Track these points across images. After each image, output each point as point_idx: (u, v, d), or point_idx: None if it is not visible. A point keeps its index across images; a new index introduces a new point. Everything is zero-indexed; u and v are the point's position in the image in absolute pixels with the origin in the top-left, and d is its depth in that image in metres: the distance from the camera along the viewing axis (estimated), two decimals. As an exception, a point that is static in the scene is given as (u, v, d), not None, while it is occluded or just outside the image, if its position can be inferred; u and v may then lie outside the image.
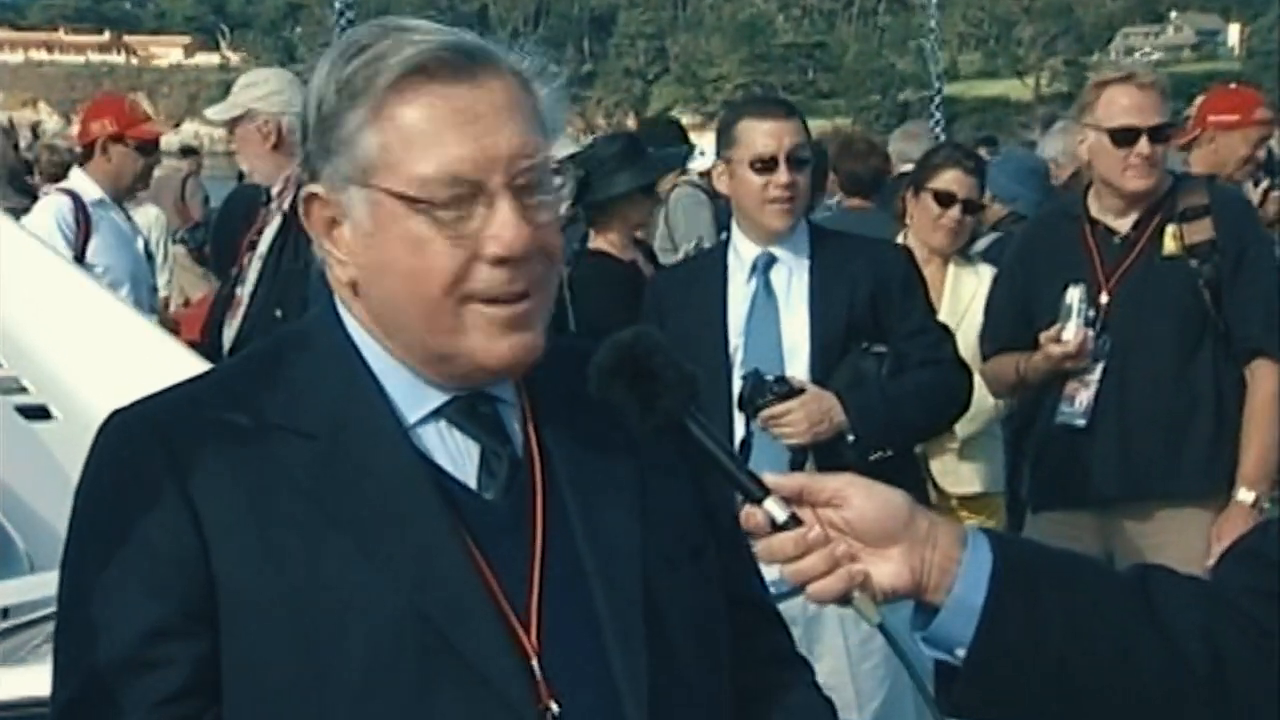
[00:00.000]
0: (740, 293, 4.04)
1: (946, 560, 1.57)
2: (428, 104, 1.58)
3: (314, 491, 1.58)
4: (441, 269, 1.58)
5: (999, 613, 1.55)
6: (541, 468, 1.67)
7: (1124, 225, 4.40)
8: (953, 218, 5.13)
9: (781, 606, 1.90)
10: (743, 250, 4.07)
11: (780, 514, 1.54)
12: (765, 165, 3.99)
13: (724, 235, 4.52)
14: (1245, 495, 4.24)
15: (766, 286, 4.02)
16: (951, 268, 5.20)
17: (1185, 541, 4.20)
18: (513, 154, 1.58)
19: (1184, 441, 4.31)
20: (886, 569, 1.56)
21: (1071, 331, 4.28)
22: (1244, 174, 6.30)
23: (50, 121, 54.70)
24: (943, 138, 13.13)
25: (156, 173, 7.25)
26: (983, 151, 7.89)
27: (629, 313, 4.32)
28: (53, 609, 2.57)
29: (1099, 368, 4.33)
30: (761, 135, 4.01)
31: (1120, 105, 4.31)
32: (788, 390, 3.81)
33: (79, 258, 5.84)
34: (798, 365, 3.92)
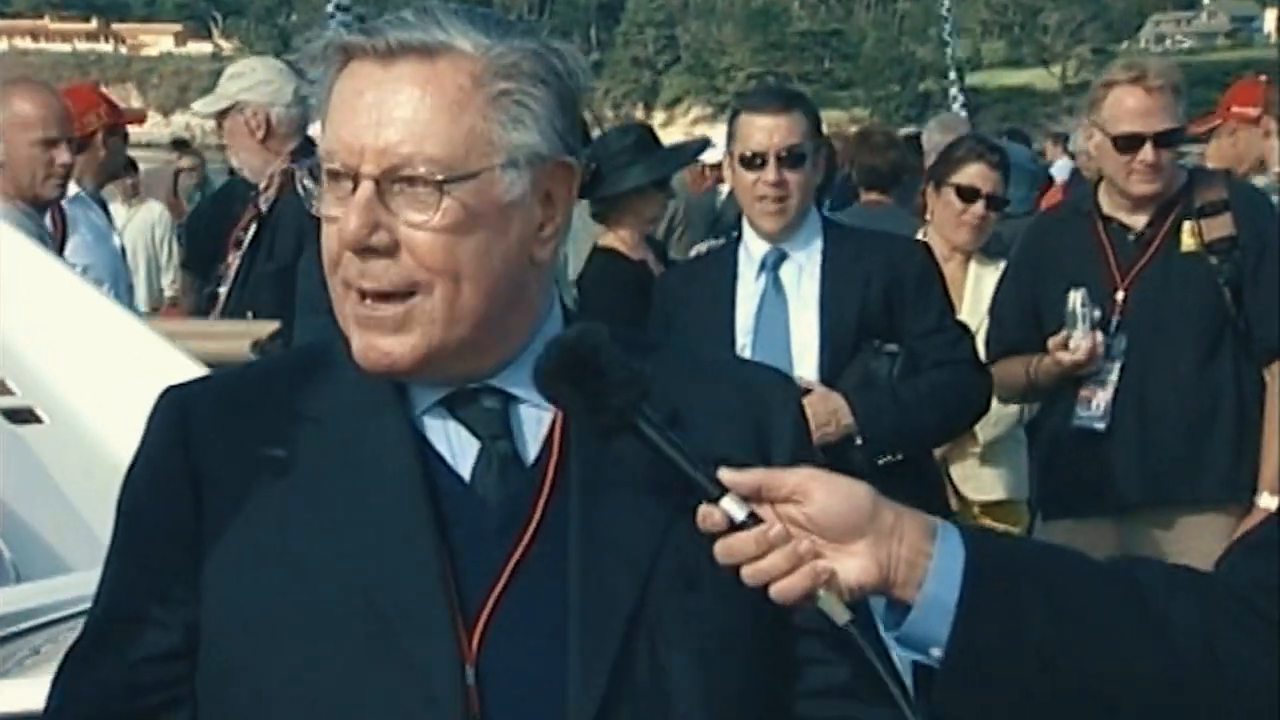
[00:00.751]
0: (749, 290, 4.05)
1: (915, 554, 1.56)
2: (346, 84, 1.62)
3: (303, 473, 1.64)
4: (326, 245, 1.63)
5: (975, 610, 1.54)
6: (555, 471, 1.67)
7: (1138, 222, 4.39)
8: (976, 214, 5.13)
9: None
10: (752, 247, 4.08)
11: (739, 512, 1.54)
12: (755, 162, 3.99)
13: (734, 232, 4.52)
14: (1268, 501, 4.22)
15: (775, 284, 4.02)
16: (973, 266, 5.20)
17: (1207, 549, 4.19)
18: (395, 150, 1.59)
19: (1205, 445, 4.31)
20: (852, 565, 1.55)
21: (1079, 339, 4.28)
22: (1258, 171, 6.25)
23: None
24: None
25: (145, 167, 7.24)
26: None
27: (638, 315, 4.32)
28: (35, 621, 2.59)
29: (1115, 368, 4.33)
30: (753, 131, 4.01)
31: (1126, 109, 4.29)
32: None
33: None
34: (807, 364, 3.93)
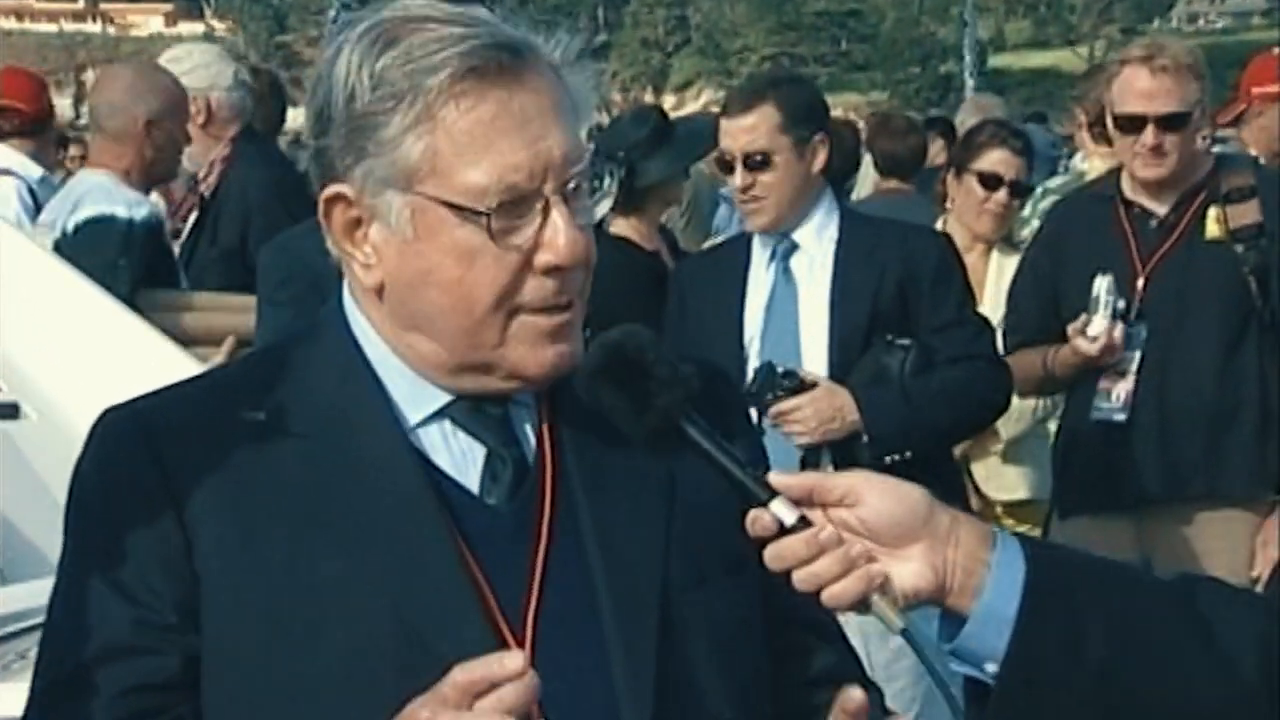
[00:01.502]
0: (761, 281, 4.07)
1: (972, 561, 1.56)
2: (480, 108, 1.60)
3: (301, 491, 1.63)
4: (491, 281, 1.62)
5: (1034, 624, 1.54)
6: (553, 473, 1.69)
7: (1161, 207, 4.39)
8: (999, 201, 5.14)
9: None
10: (763, 237, 4.10)
11: (789, 516, 1.55)
12: (726, 166, 4.06)
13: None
14: None
15: (786, 274, 4.04)
16: (995, 255, 5.20)
17: (1228, 546, 4.20)
18: (564, 159, 1.62)
19: (1227, 439, 4.31)
20: (907, 570, 1.55)
21: (1099, 325, 4.27)
22: None
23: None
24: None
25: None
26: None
27: (650, 309, 4.31)
28: (21, 625, 2.59)
29: (1135, 358, 4.33)
30: (723, 135, 4.08)
31: (1132, 89, 4.29)
32: (798, 385, 3.81)
33: None
34: (816, 358, 3.94)
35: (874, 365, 3.92)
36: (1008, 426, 4.87)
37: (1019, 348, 4.53)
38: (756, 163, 3.99)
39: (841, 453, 3.83)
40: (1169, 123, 4.26)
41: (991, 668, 1.55)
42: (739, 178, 4.01)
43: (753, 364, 3.94)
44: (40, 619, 2.59)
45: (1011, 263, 5.08)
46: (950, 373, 3.95)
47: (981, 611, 1.55)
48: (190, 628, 1.61)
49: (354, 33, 1.66)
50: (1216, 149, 4.50)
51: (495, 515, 1.67)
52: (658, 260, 5.17)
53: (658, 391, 1.56)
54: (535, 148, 1.60)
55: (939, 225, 5.26)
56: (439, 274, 1.62)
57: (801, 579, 1.54)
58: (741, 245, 4.19)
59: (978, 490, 5.09)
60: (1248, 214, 4.29)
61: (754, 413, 3.79)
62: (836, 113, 6.62)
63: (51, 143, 6.47)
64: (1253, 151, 5.99)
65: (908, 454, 3.86)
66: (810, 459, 3.84)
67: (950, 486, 4.21)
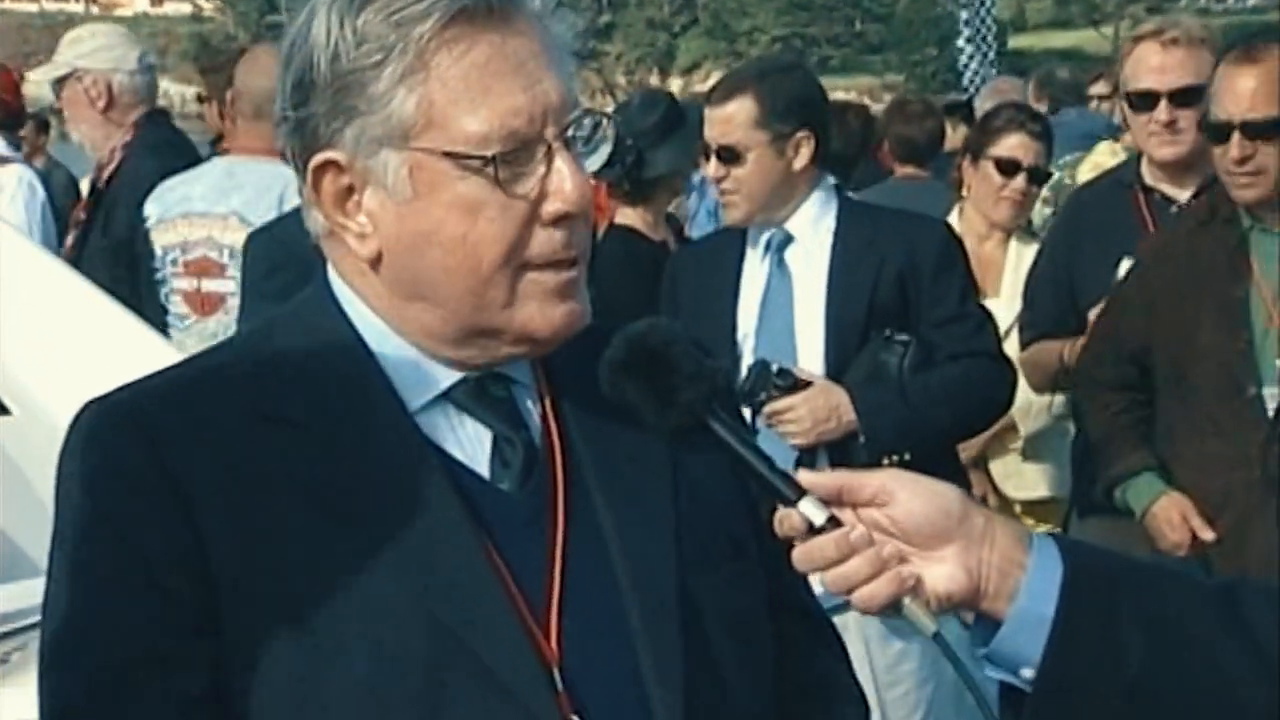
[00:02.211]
0: (755, 274, 4.04)
1: (1007, 563, 1.56)
2: (473, 52, 1.60)
3: (311, 485, 1.60)
4: (497, 235, 1.61)
5: (1073, 627, 1.54)
6: (562, 455, 1.70)
7: (1183, 193, 4.37)
8: (1017, 188, 5.13)
9: None
10: (757, 228, 4.07)
11: (818, 516, 1.55)
12: (705, 154, 4.06)
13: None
14: None
15: (780, 267, 4.01)
16: (1014, 244, 5.20)
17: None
18: (562, 102, 1.62)
19: None
20: (940, 571, 1.55)
21: None
22: None
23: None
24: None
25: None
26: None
27: (656, 299, 4.32)
28: (10, 627, 2.60)
29: None
30: (705, 122, 4.06)
31: (1144, 65, 4.29)
32: (792, 383, 3.80)
33: None
34: (811, 355, 3.92)
35: (871, 362, 3.89)
36: (1026, 423, 4.87)
37: (1036, 340, 4.52)
38: (728, 156, 3.97)
39: (838, 453, 3.83)
40: (1183, 97, 4.24)
41: (1028, 673, 1.56)
42: (712, 168, 4.00)
43: (746, 361, 3.92)
44: (25, 623, 2.61)
45: (1031, 251, 5.08)
46: (950, 370, 3.92)
47: (1017, 615, 1.55)
48: (212, 630, 1.58)
49: None
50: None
51: (508, 502, 1.67)
52: (665, 250, 5.15)
53: (683, 386, 1.57)
54: (533, 91, 1.60)
55: (955, 213, 5.27)
56: (442, 232, 1.61)
57: (831, 580, 1.55)
58: (735, 237, 4.15)
59: (996, 489, 5.09)
60: None
61: (748, 412, 3.80)
62: (850, 96, 6.60)
63: (30, 132, 6.48)
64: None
65: (906, 455, 3.84)
66: (805, 460, 3.82)
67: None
